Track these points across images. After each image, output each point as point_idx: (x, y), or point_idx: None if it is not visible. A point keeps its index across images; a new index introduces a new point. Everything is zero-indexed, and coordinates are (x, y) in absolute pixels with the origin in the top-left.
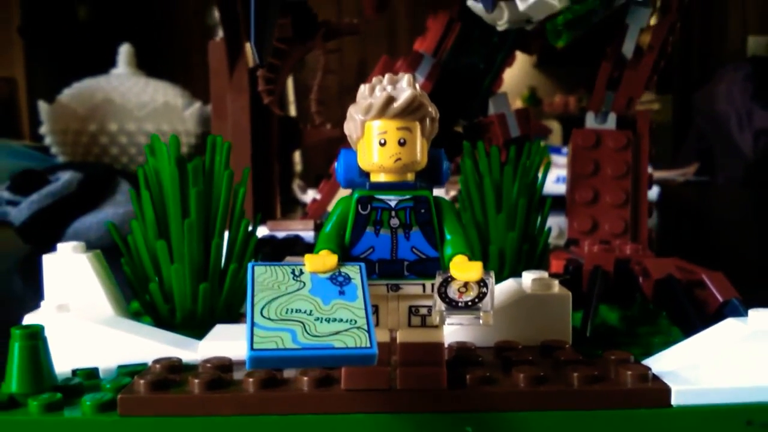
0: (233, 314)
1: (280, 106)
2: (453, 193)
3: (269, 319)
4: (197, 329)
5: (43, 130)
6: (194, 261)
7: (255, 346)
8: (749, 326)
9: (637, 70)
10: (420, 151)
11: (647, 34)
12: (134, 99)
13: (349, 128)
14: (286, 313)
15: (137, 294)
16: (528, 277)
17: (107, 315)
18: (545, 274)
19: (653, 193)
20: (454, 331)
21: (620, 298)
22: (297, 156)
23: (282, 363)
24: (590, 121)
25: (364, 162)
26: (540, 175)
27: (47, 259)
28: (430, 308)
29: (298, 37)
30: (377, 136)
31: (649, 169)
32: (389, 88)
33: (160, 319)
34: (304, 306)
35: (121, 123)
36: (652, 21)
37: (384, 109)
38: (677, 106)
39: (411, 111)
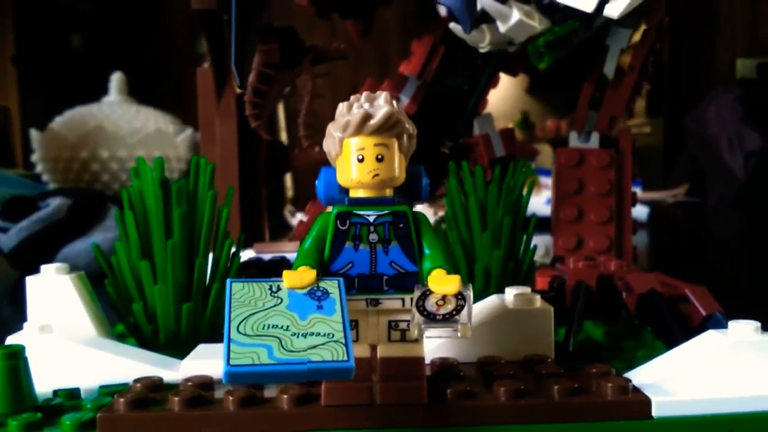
0: (217, 334)
1: (271, 131)
2: (441, 213)
3: (246, 335)
4: (181, 350)
5: (35, 157)
6: (178, 281)
7: (231, 362)
8: (729, 338)
9: (619, 90)
10: (398, 166)
11: (628, 55)
12: (126, 126)
13: (328, 145)
14: (263, 328)
15: (121, 315)
16: (510, 293)
17: (90, 336)
18: (527, 290)
19: (642, 213)
20: (436, 347)
21: (605, 314)
22: (289, 181)
23: (258, 378)
24: (573, 140)
25: (343, 178)
26: (524, 193)
27: (31, 281)
28: (409, 322)
29: (285, 62)
30: (355, 153)
31: (638, 189)
32: (366, 105)
33: (143, 340)
34: (281, 321)
35: (112, 150)
36: (636, 37)
37: (361, 126)
38: (668, 129)
39: (388, 127)
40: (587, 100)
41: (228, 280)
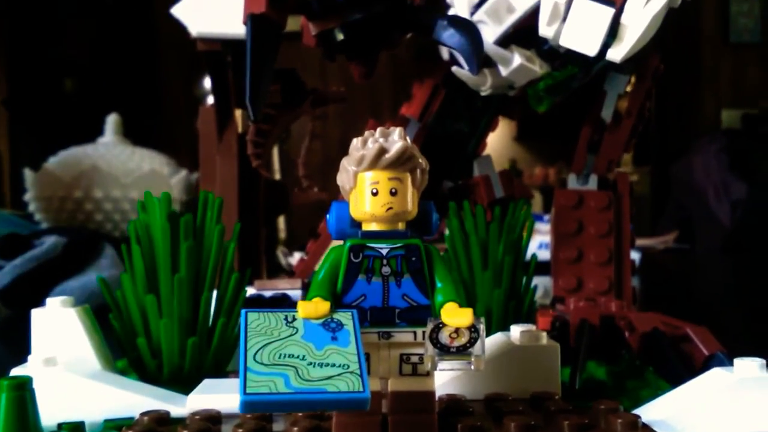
0: (221, 370)
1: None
2: (441, 253)
3: (262, 364)
4: (184, 385)
5: (28, 196)
6: (183, 316)
7: (248, 390)
8: (735, 375)
9: (616, 134)
10: (411, 201)
11: (625, 100)
12: (120, 166)
13: (342, 179)
14: (279, 358)
15: (125, 349)
16: (516, 330)
17: (94, 369)
18: (533, 327)
19: (634, 258)
20: (443, 383)
21: (607, 354)
22: (281, 223)
23: (275, 407)
24: (572, 182)
25: (356, 211)
26: (525, 234)
27: (36, 313)
28: (421, 356)
29: (287, 103)
30: (369, 186)
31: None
32: (381, 140)
33: (147, 375)
34: (297, 351)
35: (106, 190)
36: (629, 87)
37: (376, 160)
38: (655, 178)
39: (402, 162)
40: (586, 143)
41: (243, 310)
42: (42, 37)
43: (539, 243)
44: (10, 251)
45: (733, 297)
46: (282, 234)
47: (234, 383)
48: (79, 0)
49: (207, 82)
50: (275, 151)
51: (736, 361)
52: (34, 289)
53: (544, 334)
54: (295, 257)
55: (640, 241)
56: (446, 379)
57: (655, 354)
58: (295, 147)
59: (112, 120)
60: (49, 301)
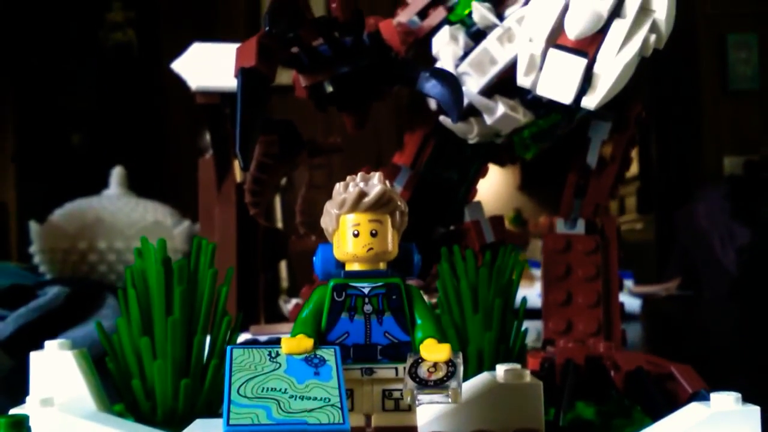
0: (213, 411)
1: (269, 221)
2: (434, 300)
3: (246, 396)
4: (177, 426)
5: (33, 249)
6: (177, 358)
7: (231, 422)
8: (711, 408)
9: (601, 179)
10: (391, 241)
11: (609, 146)
12: (124, 218)
13: (326, 222)
14: (262, 391)
15: (120, 392)
16: (501, 369)
17: (90, 410)
18: (518, 366)
19: (635, 304)
20: (429, 422)
21: (595, 393)
22: (284, 272)
23: None
24: (560, 226)
25: (339, 252)
26: (514, 278)
27: (34, 356)
28: (402, 391)
29: (283, 153)
30: (351, 228)
31: (630, 282)
32: (362, 184)
33: (141, 417)
34: (279, 385)
35: (110, 241)
36: None
37: (357, 203)
38: (659, 225)
39: (381, 204)
40: (572, 189)
41: (228, 347)
42: (49, 93)
43: (538, 291)
44: (14, 301)
45: (738, 343)
46: (284, 283)
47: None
48: (87, 55)
49: (207, 137)
50: (277, 201)
51: (713, 395)
52: (37, 338)
53: (528, 372)
54: (293, 302)
55: (642, 288)
56: (432, 416)
57: (639, 392)
58: (297, 196)
59: (117, 173)
60: (47, 344)
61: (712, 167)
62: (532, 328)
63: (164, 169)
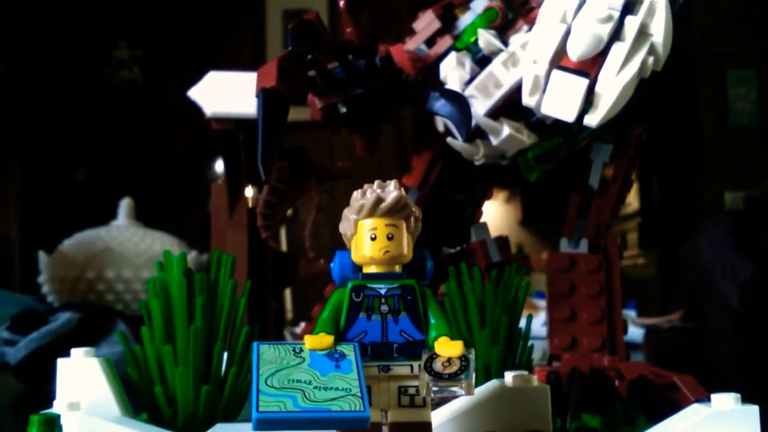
0: (232, 417)
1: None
2: None
3: (273, 387)
4: None
5: (41, 279)
6: (198, 365)
7: (260, 409)
8: (711, 407)
9: (604, 200)
10: (406, 245)
11: (611, 168)
12: (133, 248)
13: (344, 227)
14: (288, 382)
15: (142, 398)
16: (509, 376)
17: (115, 414)
18: (525, 372)
19: (638, 334)
20: (441, 424)
21: (600, 405)
22: (289, 303)
23: (284, 425)
24: (564, 246)
25: (357, 256)
26: (520, 295)
27: (61, 362)
28: (418, 388)
29: (294, 178)
30: (368, 232)
31: (633, 314)
32: (378, 191)
33: (162, 423)
34: (304, 377)
35: (118, 270)
36: None
37: (374, 209)
38: (662, 261)
39: (397, 210)
40: (575, 209)
41: (255, 343)
42: (55, 129)
43: (543, 320)
44: (26, 327)
45: (741, 373)
46: (289, 314)
47: (245, 427)
48: (92, 92)
49: (218, 166)
50: (283, 232)
51: (713, 395)
52: (48, 363)
53: (535, 377)
54: (302, 326)
55: (644, 320)
56: (444, 419)
57: (642, 399)
58: (303, 225)
59: (125, 204)
60: (73, 351)
61: (713, 202)
62: (538, 348)
63: (171, 201)
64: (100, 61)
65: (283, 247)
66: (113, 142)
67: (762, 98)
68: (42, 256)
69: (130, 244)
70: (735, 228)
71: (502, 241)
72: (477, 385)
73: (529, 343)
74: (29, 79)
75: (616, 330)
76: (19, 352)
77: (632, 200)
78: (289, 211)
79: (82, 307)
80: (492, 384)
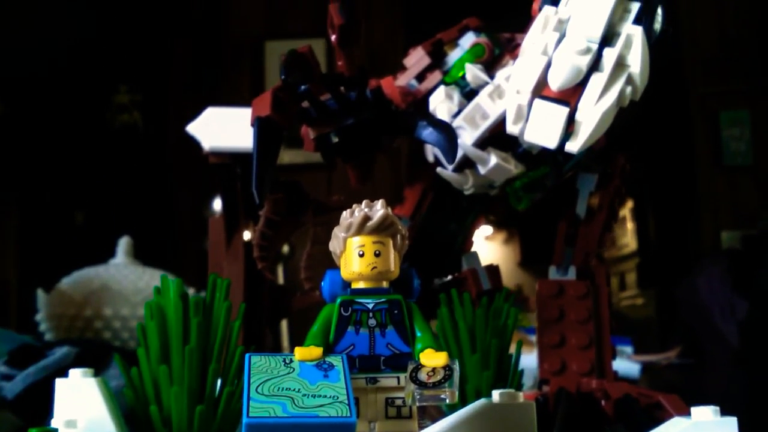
0: None
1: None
2: None
3: (263, 394)
4: None
5: (39, 317)
6: (192, 385)
7: (251, 414)
8: (691, 419)
9: (590, 228)
10: (393, 261)
11: (597, 197)
12: (130, 286)
13: (333, 245)
14: (278, 390)
15: (136, 419)
16: (496, 394)
17: None
18: (512, 390)
19: (634, 369)
20: None
21: (588, 426)
22: (285, 339)
23: (274, 429)
24: (553, 273)
25: (346, 272)
26: (509, 322)
27: (59, 382)
28: (404, 399)
29: (290, 212)
30: (356, 249)
31: (629, 350)
32: (366, 209)
33: None
34: (294, 385)
35: (116, 308)
36: None
37: (361, 227)
38: (660, 300)
39: (384, 227)
40: (563, 238)
41: (247, 354)
42: (54, 173)
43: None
44: (23, 361)
45: (739, 410)
46: (286, 347)
47: None
48: (92, 136)
49: (215, 205)
50: (280, 269)
51: (693, 408)
52: (45, 397)
53: (521, 394)
54: None
55: (642, 357)
56: None
57: (628, 418)
58: (299, 258)
59: (123, 242)
60: (71, 371)
61: (710, 241)
62: (530, 376)
63: (168, 241)
64: (101, 105)
65: (280, 281)
66: (113, 185)
67: (755, 138)
68: (40, 293)
69: (127, 282)
70: (732, 267)
71: (492, 269)
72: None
73: (520, 368)
74: (30, 122)
75: (605, 355)
76: (17, 386)
77: (630, 240)
78: (286, 248)
79: (79, 342)
80: (479, 402)
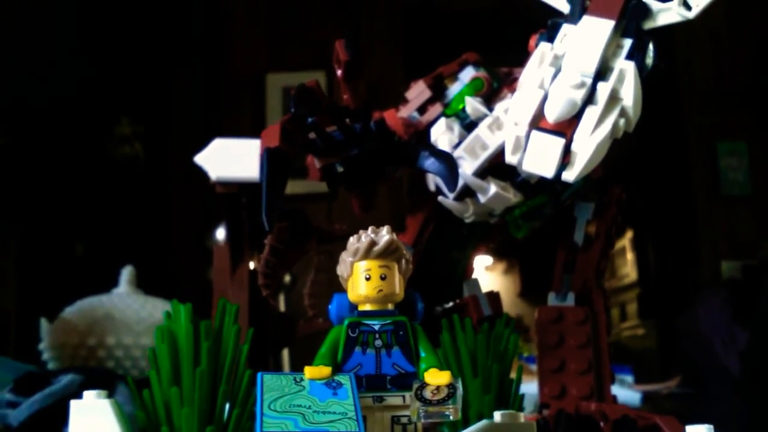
0: None
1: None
2: None
3: (276, 411)
4: None
5: (42, 346)
6: (203, 406)
7: (265, 429)
8: None
9: (588, 255)
10: (398, 285)
11: (594, 225)
12: (133, 315)
13: (341, 269)
14: (290, 407)
15: None
16: (497, 415)
17: None
18: (513, 411)
19: (635, 398)
20: None
21: None
22: (287, 364)
23: None
24: (552, 299)
25: (353, 295)
26: (510, 346)
27: (74, 404)
28: (409, 417)
29: (294, 240)
30: (363, 273)
31: (630, 379)
32: (372, 235)
33: None
34: (304, 402)
35: (118, 337)
36: None
37: (368, 251)
38: (661, 331)
39: (390, 252)
40: (562, 265)
41: (259, 373)
42: (54, 204)
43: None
44: (29, 388)
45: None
46: None
47: None
48: (93, 168)
49: (218, 234)
50: (281, 298)
51: (688, 427)
52: (51, 425)
53: (522, 414)
54: None
55: (643, 387)
56: None
57: None
58: (301, 287)
59: (126, 271)
60: (85, 393)
61: (709, 271)
62: (529, 400)
63: (171, 271)
64: (103, 137)
65: (282, 309)
66: (114, 216)
67: (753, 168)
68: (43, 323)
69: (130, 311)
70: (732, 297)
71: (493, 296)
72: None
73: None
74: (31, 153)
75: (604, 379)
76: (22, 414)
77: (630, 271)
78: (287, 278)
79: (84, 370)
80: (482, 422)
